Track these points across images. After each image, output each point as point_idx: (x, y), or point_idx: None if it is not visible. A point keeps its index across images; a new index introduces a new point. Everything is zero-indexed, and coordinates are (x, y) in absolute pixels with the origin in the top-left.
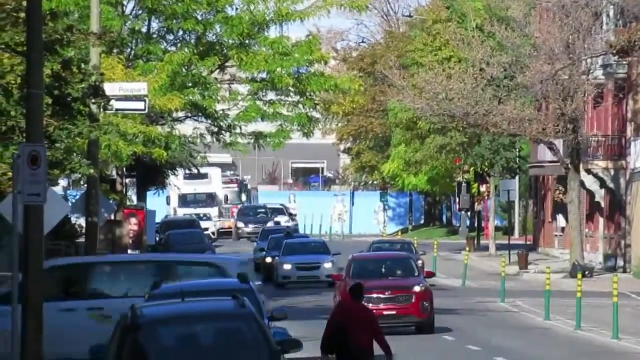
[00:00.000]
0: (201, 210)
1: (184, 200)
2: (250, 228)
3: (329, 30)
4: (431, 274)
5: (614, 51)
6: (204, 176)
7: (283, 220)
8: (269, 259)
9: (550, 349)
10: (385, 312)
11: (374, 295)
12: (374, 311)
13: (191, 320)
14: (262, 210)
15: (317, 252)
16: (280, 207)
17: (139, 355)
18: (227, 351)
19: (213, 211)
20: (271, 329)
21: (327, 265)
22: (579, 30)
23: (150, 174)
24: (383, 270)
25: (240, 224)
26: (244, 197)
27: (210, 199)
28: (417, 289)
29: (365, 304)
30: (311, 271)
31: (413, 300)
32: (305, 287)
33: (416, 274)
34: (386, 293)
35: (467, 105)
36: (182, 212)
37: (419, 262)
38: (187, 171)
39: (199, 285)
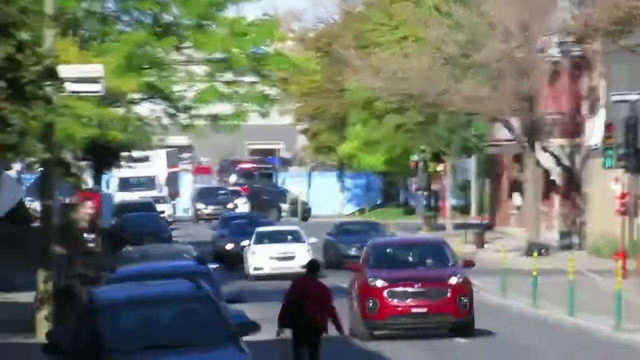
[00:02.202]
0: (141, 194)
1: (124, 184)
2: (210, 209)
3: (287, 11)
4: (471, 263)
5: (573, 39)
6: (144, 159)
7: (241, 202)
8: (229, 245)
9: (507, 326)
10: (414, 310)
11: (400, 289)
12: (400, 308)
13: (148, 302)
14: (223, 192)
15: (292, 240)
16: (238, 189)
17: (95, 338)
18: (185, 333)
19: (150, 195)
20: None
21: (303, 255)
22: (534, 9)
23: (106, 157)
24: (411, 258)
25: (200, 205)
26: (280, 180)
27: (150, 183)
28: (453, 281)
29: (390, 300)
30: (286, 262)
31: (449, 295)
32: (280, 280)
33: (451, 263)
34: (415, 286)
35: (424, 85)
36: (121, 196)
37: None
38: (127, 154)
39: (156, 268)
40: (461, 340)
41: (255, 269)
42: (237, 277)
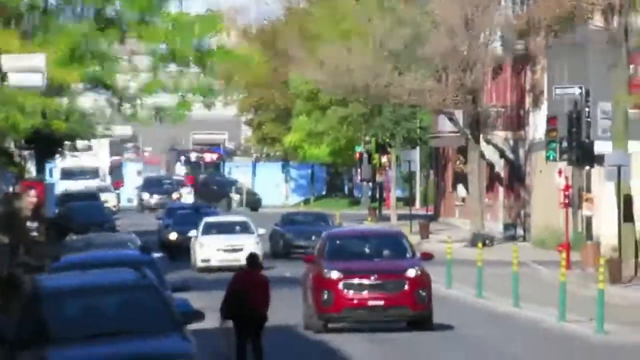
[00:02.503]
0: (85, 183)
1: (67, 173)
2: (155, 199)
3: (230, 7)
4: (429, 256)
5: (516, 34)
6: (88, 149)
7: (185, 192)
8: (173, 235)
9: (452, 316)
10: (370, 303)
11: (356, 281)
12: (356, 301)
13: (92, 291)
14: (168, 181)
15: (240, 231)
16: (182, 179)
17: (40, 327)
18: (129, 321)
19: (94, 184)
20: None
21: (252, 247)
22: (477, 6)
23: (49, 147)
24: (367, 250)
25: (145, 195)
26: (227, 170)
27: (93, 172)
28: (411, 273)
29: (346, 292)
30: (234, 254)
31: (406, 288)
32: (228, 272)
33: (409, 255)
34: (371, 278)
35: (368, 77)
36: (65, 185)
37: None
38: (70, 143)
39: (101, 257)
40: (417, 333)
41: (203, 260)
42: (182, 267)
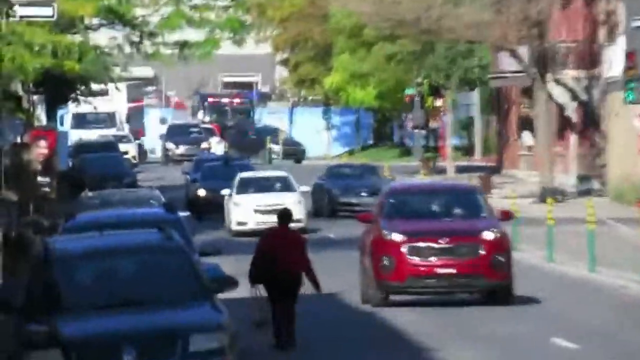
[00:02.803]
0: (100, 132)
1: (80, 121)
2: (181, 149)
3: None
4: (510, 215)
5: None
6: (103, 93)
7: (215, 142)
8: (202, 192)
9: (520, 282)
10: (439, 271)
11: (422, 245)
12: (422, 268)
13: (110, 254)
14: (196, 129)
15: (281, 189)
16: (212, 127)
17: (50, 293)
18: (152, 289)
19: (111, 132)
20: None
21: (294, 206)
22: None
23: (61, 90)
24: (435, 208)
25: (170, 145)
26: (257, 116)
27: (110, 119)
28: (488, 235)
29: (410, 258)
30: (274, 215)
31: (482, 253)
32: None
33: (485, 215)
34: (441, 242)
35: (419, 9)
36: (77, 134)
37: None
38: (85, 87)
39: (119, 216)
40: (496, 308)
41: (239, 223)
42: (211, 227)
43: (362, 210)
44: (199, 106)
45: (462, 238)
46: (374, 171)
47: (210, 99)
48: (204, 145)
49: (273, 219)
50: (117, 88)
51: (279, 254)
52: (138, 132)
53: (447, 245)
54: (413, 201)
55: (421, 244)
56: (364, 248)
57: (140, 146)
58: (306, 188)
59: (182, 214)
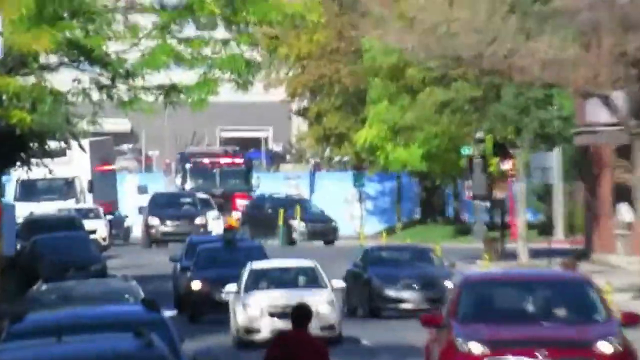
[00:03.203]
0: (52, 205)
1: (26, 190)
2: (168, 227)
3: None
4: (635, 319)
5: None
6: (59, 153)
7: (212, 217)
8: (197, 285)
9: None
10: None
11: (512, 359)
12: None
13: None
14: (187, 200)
15: (306, 284)
16: (207, 197)
17: None
18: None
19: (67, 205)
20: None
21: (325, 309)
22: None
23: (7, 149)
24: (530, 307)
25: (154, 221)
26: (255, 182)
27: (66, 188)
28: (604, 347)
29: None
30: None
31: None
32: None
33: (601, 317)
34: (538, 355)
35: (480, 43)
36: (24, 207)
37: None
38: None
39: (84, 316)
40: None
41: (248, 330)
42: (208, 331)
43: (414, 310)
44: (179, 169)
45: (568, 351)
46: (427, 256)
47: (193, 160)
48: (198, 221)
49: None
50: (81, 147)
51: None
52: (108, 205)
53: None
54: (498, 298)
55: (511, 358)
56: None
57: (112, 223)
58: (340, 283)
59: (168, 312)
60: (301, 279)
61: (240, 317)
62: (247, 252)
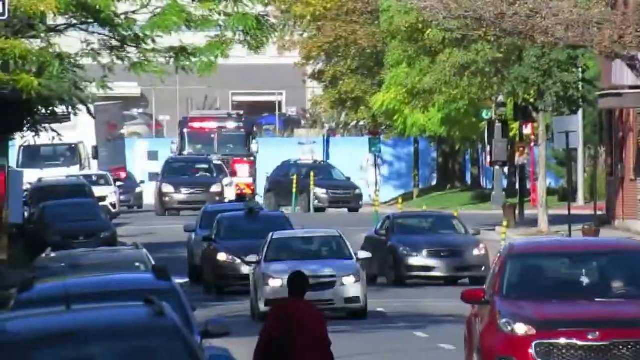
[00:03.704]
0: (55, 172)
1: (29, 156)
2: (183, 195)
3: None
4: None
5: None
6: (64, 118)
7: (225, 183)
8: (223, 257)
9: None
10: None
11: (562, 342)
12: None
13: (80, 338)
14: (204, 165)
15: (328, 254)
16: (220, 163)
17: None
18: None
19: (72, 172)
20: (206, 350)
21: (349, 281)
22: None
23: (13, 115)
24: (583, 281)
25: (168, 188)
26: (254, 147)
27: (70, 154)
28: None
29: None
30: (320, 292)
31: None
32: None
33: None
34: (590, 337)
35: (502, 3)
36: (29, 174)
37: (482, 249)
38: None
39: (93, 284)
40: None
41: (269, 302)
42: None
43: (440, 277)
44: (178, 134)
45: (625, 332)
46: (450, 223)
47: (191, 125)
48: (214, 188)
49: (318, 297)
50: (89, 112)
51: (292, 333)
52: (119, 171)
53: (600, 343)
54: (547, 270)
55: (561, 341)
56: (471, 343)
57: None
58: (366, 254)
59: (178, 280)
60: (325, 250)
61: (261, 288)
62: (271, 221)
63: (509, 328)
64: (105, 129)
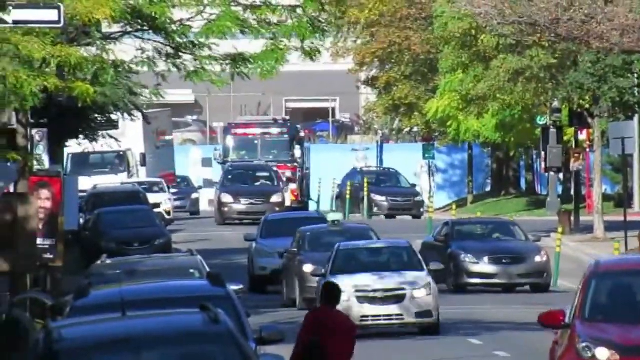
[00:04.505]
0: (103, 179)
1: (79, 163)
2: (242, 205)
3: None
4: None
5: None
6: (111, 125)
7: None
8: (309, 268)
9: None
10: None
11: None
12: None
13: (136, 344)
14: (265, 174)
15: (397, 265)
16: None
17: None
18: None
19: (120, 179)
20: (261, 357)
21: (420, 292)
22: None
23: (69, 122)
24: None
25: (227, 198)
26: (297, 153)
27: (119, 161)
28: None
29: None
30: (391, 305)
31: None
32: (384, 338)
33: None
34: None
35: (557, 8)
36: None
37: (543, 256)
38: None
39: (149, 291)
40: None
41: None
42: (273, 302)
43: (501, 284)
44: (223, 141)
45: None
46: (510, 230)
47: (234, 131)
48: (275, 199)
49: (388, 311)
50: (145, 119)
51: (328, 342)
52: (169, 177)
53: None
54: (637, 290)
55: None
56: None
57: (178, 195)
58: (438, 265)
59: (233, 287)
60: (394, 261)
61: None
62: (355, 233)
63: (589, 354)
64: (154, 136)
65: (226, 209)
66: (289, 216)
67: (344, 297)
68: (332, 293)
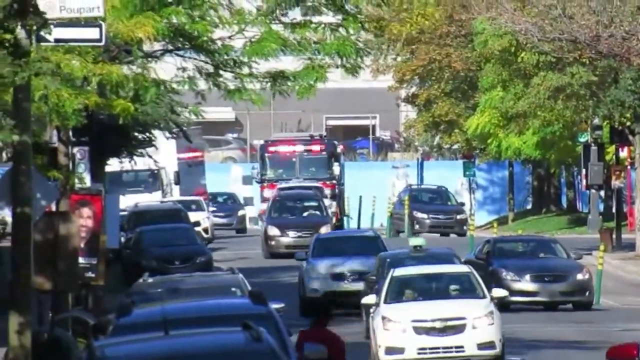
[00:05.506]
0: (137, 198)
1: (112, 182)
2: (290, 239)
3: None
4: None
5: None
6: (147, 143)
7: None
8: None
9: None
10: None
11: None
12: None
13: None
14: (313, 203)
15: (457, 293)
16: (320, 185)
17: None
18: None
19: (154, 198)
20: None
21: (482, 321)
22: None
23: (110, 139)
24: None
25: (274, 231)
26: (336, 170)
27: (152, 179)
28: None
29: None
30: (451, 337)
31: None
32: None
33: None
34: None
35: (597, 25)
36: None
37: (585, 274)
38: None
39: (191, 309)
40: None
41: (390, 350)
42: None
43: (543, 302)
44: (260, 159)
45: None
46: (551, 247)
47: (271, 149)
48: (323, 230)
49: (447, 343)
50: (186, 137)
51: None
52: (200, 194)
53: None
54: None
55: None
56: None
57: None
58: (503, 292)
59: (275, 305)
60: (453, 288)
61: (379, 333)
62: (439, 258)
63: None
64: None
65: (273, 243)
66: (342, 234)
67: (399, 328)
68: (324, 316)
